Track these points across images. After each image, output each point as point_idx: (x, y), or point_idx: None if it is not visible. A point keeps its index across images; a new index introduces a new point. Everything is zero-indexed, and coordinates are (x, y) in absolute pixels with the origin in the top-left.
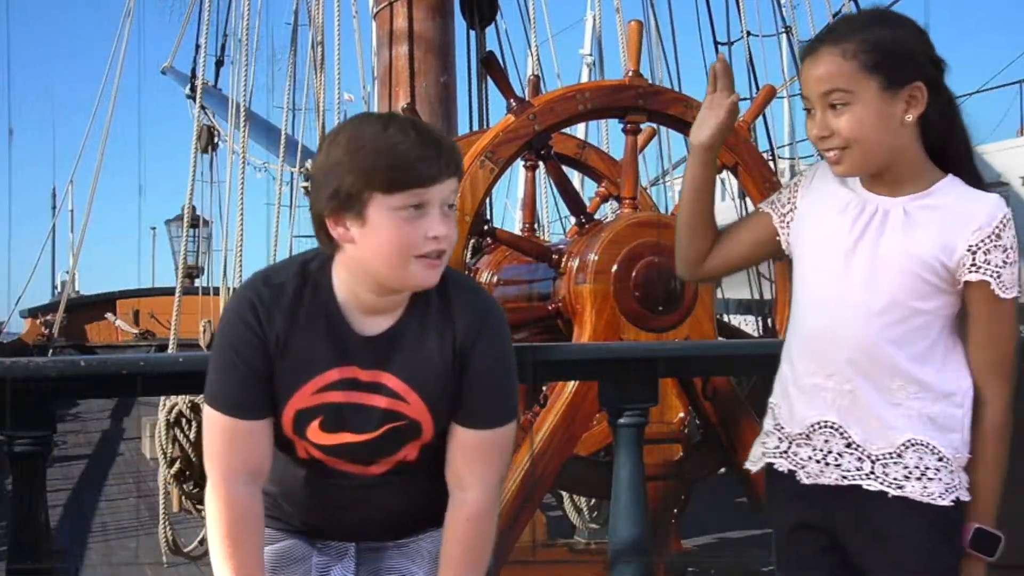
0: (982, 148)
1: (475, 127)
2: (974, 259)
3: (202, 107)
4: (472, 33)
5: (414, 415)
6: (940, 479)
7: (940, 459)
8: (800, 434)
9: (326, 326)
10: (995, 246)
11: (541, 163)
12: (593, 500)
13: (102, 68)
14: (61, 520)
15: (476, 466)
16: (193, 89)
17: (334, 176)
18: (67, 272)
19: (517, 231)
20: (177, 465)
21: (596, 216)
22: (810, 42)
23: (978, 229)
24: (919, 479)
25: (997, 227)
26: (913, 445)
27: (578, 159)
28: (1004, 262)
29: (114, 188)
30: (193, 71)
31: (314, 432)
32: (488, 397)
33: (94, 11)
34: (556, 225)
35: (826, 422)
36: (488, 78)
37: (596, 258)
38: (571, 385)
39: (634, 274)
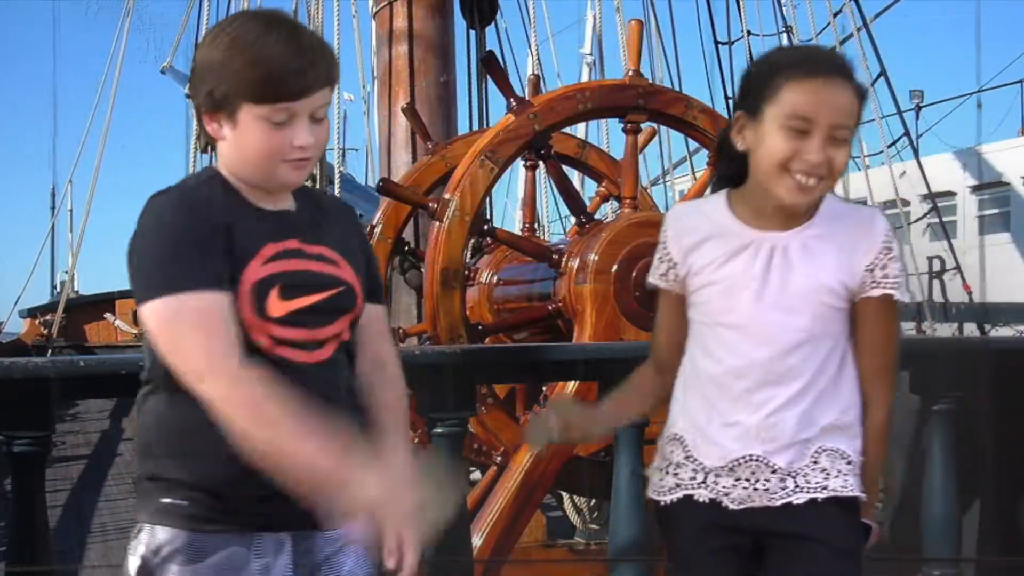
0: (982, 148)
1: (475, 127)
2: (873, 276)
3: None
4: (472, 33)
5: (348, 279)
6: (853, 474)
7: (848, 462)
8: (722, 467)
9: (246, 212)
10: (890, 259)
11: (541, 163)
12: (593, 500)
13: (102, 68)
14: (61, 520)
15: (387, 339)
16: None
17: (211, 78)
18: (66, 272)
19: (517, 231)
20: None
21: (596, 216)
22: (827, 65)
23: (870, 247)
24: (836, 477)
25: (885, 240)
26: (825, 451)
27: (578, 159)
28: (900, 271)
29: (115, 188)
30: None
31: (274, 303)
32: (377, 273)
33: (94, 11)
34: (556, 225)
35: (751, 456)
36: (488, 78)
37: (596, 258)
38: (571, 385)
39: (634, 274)
